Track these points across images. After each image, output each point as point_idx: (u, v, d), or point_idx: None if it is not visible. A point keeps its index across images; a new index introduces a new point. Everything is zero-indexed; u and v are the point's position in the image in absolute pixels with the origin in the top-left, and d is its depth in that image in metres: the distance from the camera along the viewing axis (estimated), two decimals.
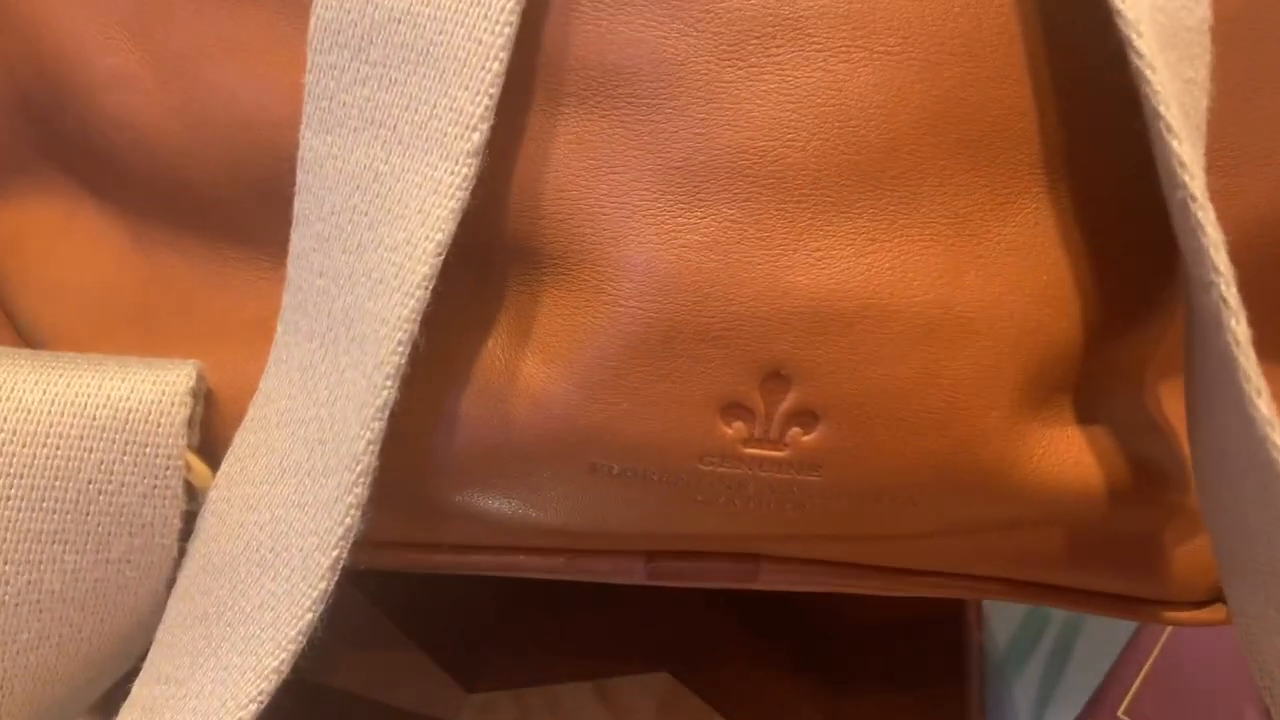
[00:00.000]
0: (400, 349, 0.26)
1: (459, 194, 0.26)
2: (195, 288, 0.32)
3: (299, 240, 0.29)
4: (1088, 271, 0.29)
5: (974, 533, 0.31)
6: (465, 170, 0.26)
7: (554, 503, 0.30)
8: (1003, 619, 0.50)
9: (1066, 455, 0.30)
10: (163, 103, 0.30)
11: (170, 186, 0.31)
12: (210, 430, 0.31)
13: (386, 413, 0.27)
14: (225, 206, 0.31)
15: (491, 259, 0.28)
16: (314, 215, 0.29)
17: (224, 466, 0.30)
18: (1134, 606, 0.35)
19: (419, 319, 0.26)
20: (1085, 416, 0.30)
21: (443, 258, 0.26)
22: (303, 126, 0.29)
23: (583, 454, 0.28)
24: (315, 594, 0.26)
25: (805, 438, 0.28)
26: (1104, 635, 0.50)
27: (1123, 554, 0.33)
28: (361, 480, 0.27)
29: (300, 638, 0.26)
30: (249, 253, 0.31)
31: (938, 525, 0.30)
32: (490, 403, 0.29)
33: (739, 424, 0.28)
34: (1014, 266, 0.28)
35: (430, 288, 0.26)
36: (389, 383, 0.26)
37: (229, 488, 0.29)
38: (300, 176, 0.29)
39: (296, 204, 0.29)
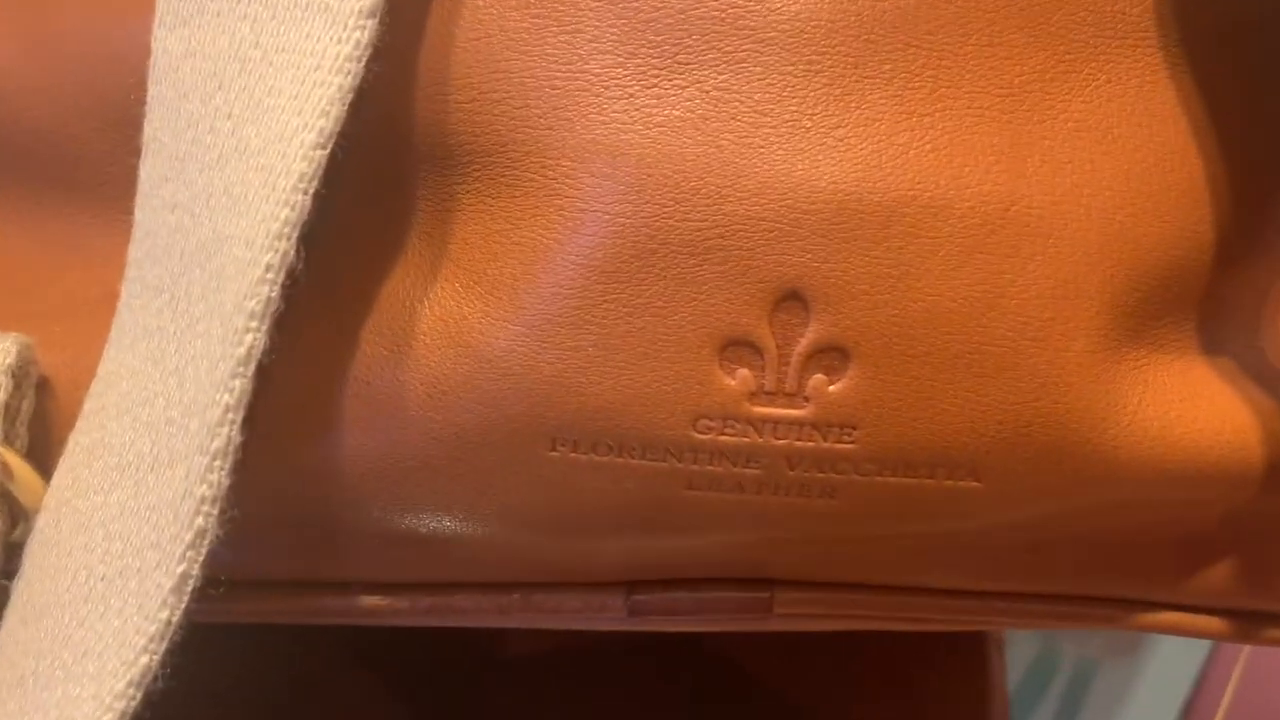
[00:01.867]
0: (269, 278, 0.19)
1: (349, 68, 0.20)
2: (37, 261, 0.24)
3: (150, 171, 0.22)
4: (1185, 164, 0.22)
5: (1044, 526, 0.24)
6: (357, 36, 0.20)
7: (501, 507, 0.22)
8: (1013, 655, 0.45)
9: (1169, 408, 0.23)
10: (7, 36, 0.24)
11: (12, 137, 0.24)
12: (49, 431, 0.23)
13: (252, 367, 0.19)
14: (77, 157, 0.24)
15: (402, 162, 0.21)
16: (166, 135, 0.22)
17: (54, 479, 0.22)
18: (1248, 625, 0.27)
19: (294, 235, 0.19)
20: (1191, 361, 0.23)
21: (327, 152, 0.19)
22: (155, 25, 0.22)
23: (538, 426, 0.21)
24: (153, 629, 0.18)
25: (832, 387, 0.21)
26: (1120, 677, 0.45)
27: (1244, 551, 0.25)
28: (218, 466, 0.19)
29: (132, 691, 0.18)
30: (104, 213, 0.24)
31: (1004, 514, 0.23)
32: (408, 360, 0.21)
33: (744, 371, 0.21)
34: (1087, 152, 0.21)
35: (310, 192, 0.19)
36: (254, 324, 0.19)
37: (59, 507, 0.22)
38: (151, 90, 0.22)
39: (146, 127, 0.22)
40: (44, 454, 0.22)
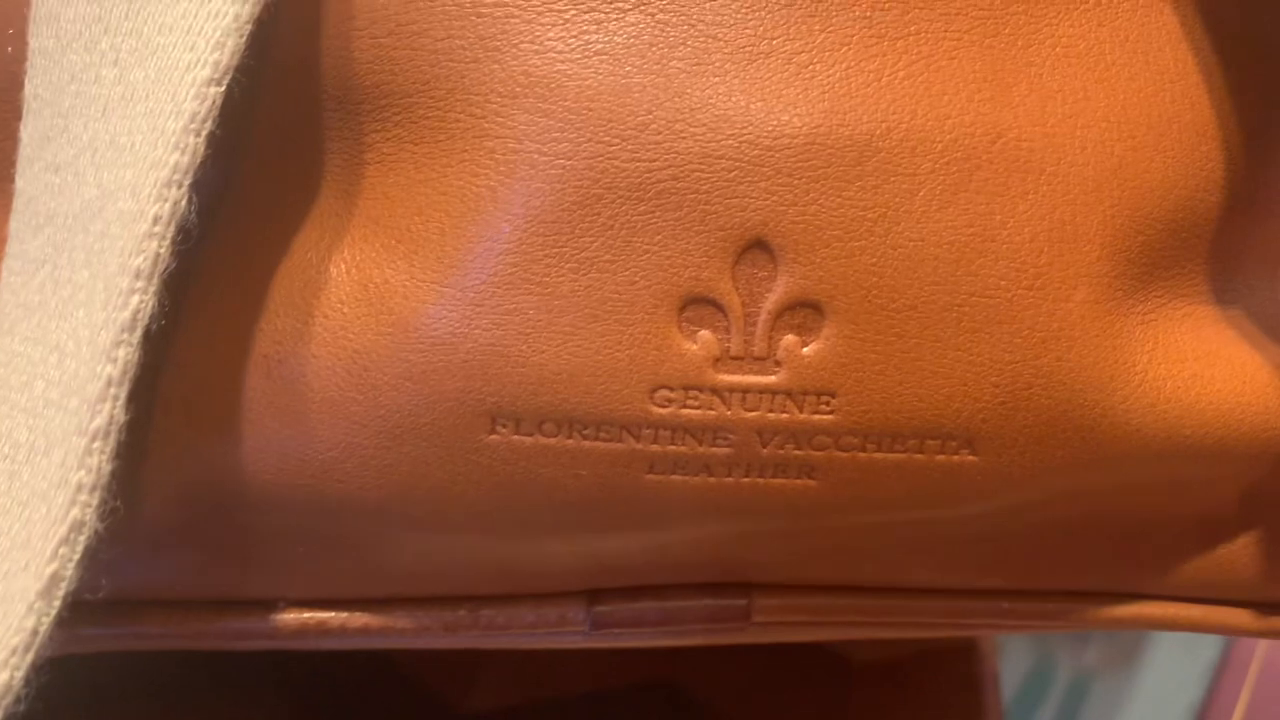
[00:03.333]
0: (157, 231, 0.17)
1: None
2: None
3: (30, 132, 0.19)
4: (1187, 93, 0.20)
5: (1048, 510, 0.21)
6: None
7: (439, 504, 0.20)
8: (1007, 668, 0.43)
9: (1183, 368, 0.20)
10: None
11: None
12: None
13: (138, 334, 0.17)
14: None
15: (311, 107, 0.19)
16: (48, 90, 0.19)
17: None
18: (1276, 618, 0.24)
19: (186, 183, 0.17)
20: (1204, 316, 0.21)
21: (223, 89, 0.17)
22: None
23: (475, 403, 0.19)
24: (16, 642, 0.15)
25: (806, 348, 0.19)
26: (1117, 689, 0.45)
27: (1269, 534, 0.23)
28: (98, 448, 0.16)
29: None
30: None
31: (1003, 495, 0.20)
32: (323, 333, 0.19)
33: (706, 333, 0.18)
34: (1079, 79, 0.19)
35: (204, 134, 0.17)
36: (140, 284, 0.17)
37: None
38: (32, 43, 0.19)
39: (27, 85, 0.20)
40: None
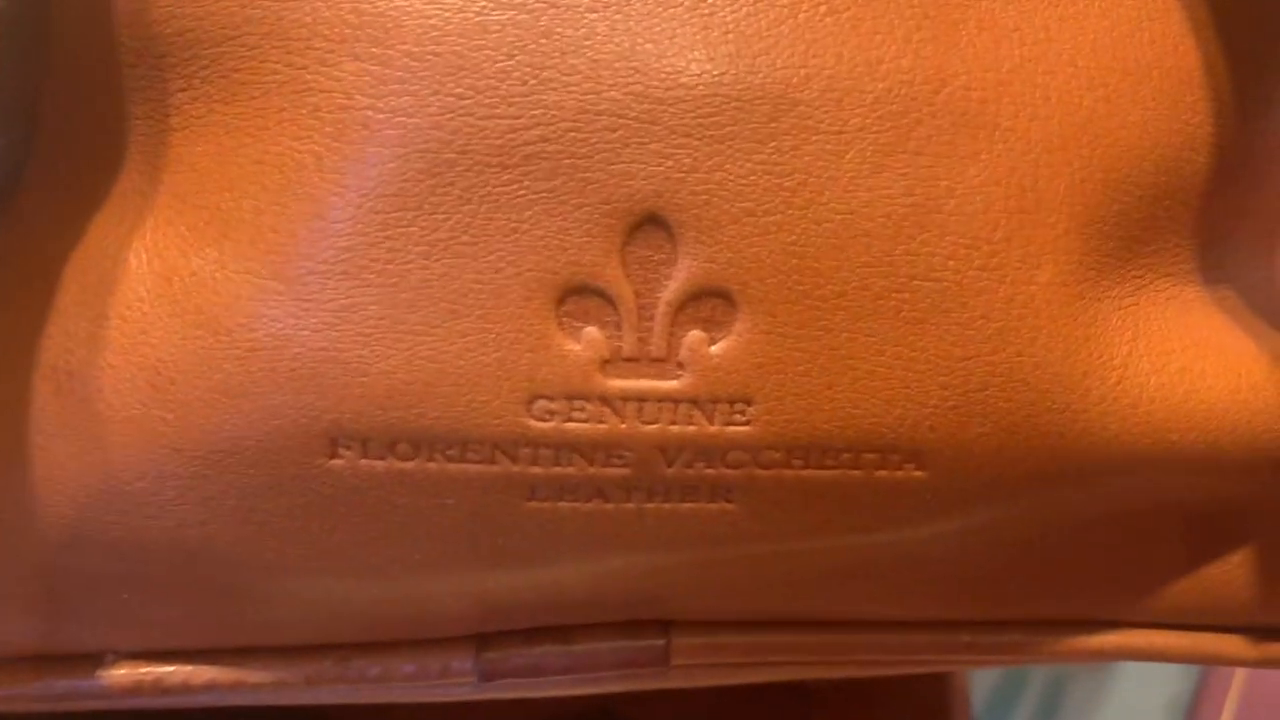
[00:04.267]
0: None
1: None
2: None
3: None
4: (1168, 36, 0.17)
5: (1010, 530, 0.18)
6: None
7: (279, 543, 0.16)
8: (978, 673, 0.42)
9: (1169, 360, 0.17)
10: None
11: None
12: None
13: None
14: None
15: (109, 63, 0.15)
16: None
17: None
18: (1272, 645, 0.21)
19: None
20: (1190, 300, 0.18)
21: None
22: None
23: (310, 423, 0.15)
24: None
25: (715, 347, 0.15)
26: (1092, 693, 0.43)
27: (1266, 552, 0.20)
28: None
29: None
30: None
31: (956, 515, 0.17)
32: (121, 338, 0.15)
33: (591, 330, 0.15)
34: (1040, 17, 0.16)
35: None
36: None
37: None
38: None
39: None
40: None
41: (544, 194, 0.15)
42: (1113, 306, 0.17)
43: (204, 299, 0.15)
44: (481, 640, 0.19)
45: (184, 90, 0.15)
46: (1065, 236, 0.16)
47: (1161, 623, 0.21)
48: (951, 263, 0.15)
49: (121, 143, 0.15)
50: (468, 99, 0.14)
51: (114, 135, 0.15)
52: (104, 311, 0.15)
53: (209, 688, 0.19)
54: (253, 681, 0.19)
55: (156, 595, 0.18)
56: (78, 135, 0.16)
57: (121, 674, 0.19)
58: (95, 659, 0.19)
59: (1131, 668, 0.47)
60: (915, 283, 0.15)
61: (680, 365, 0.15)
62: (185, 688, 0.19)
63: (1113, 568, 0.20)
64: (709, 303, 0.15)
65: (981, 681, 0.48)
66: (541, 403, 0.15)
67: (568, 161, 0.15)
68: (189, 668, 0.19)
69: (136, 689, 0.19)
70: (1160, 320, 0.17)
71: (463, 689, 0.19)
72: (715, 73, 0.15)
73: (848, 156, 0.15)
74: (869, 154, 0.15)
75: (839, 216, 0.15)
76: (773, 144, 0.15)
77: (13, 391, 0.15)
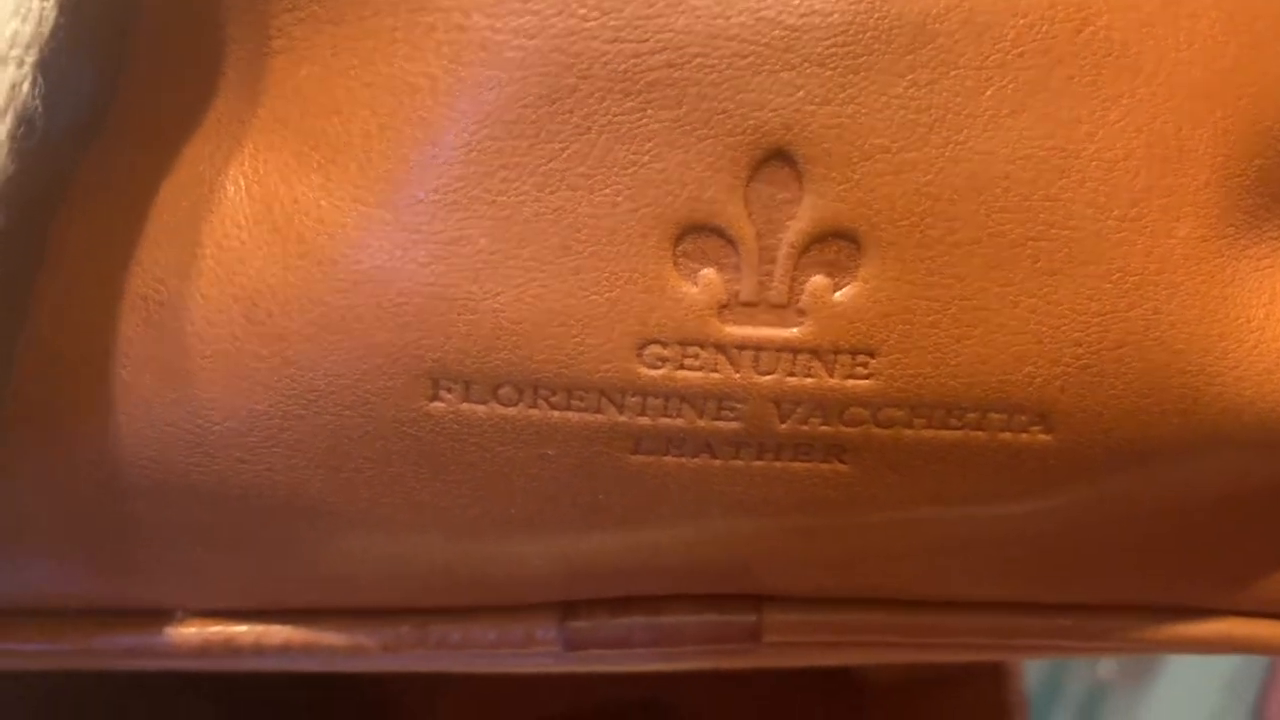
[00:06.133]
0: None
1: None
2: None
3: None
4: None
5: (1129, 502, 0.17)
6: None
7: (370, 492, 0.16)
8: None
9: None
10: None
11: None
12: None
13: None
14: None
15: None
16: None
17: None
18: None
19: (28, 61, 0.13)
20: None
21: None
22: None
23: (412, 361, 0.14)
24: None
25: (839, 293, 0.14)
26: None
27: None
28: None
29: None
30: None
31: (1077, 486, 0.16)
32: (215, 268, 0.14)
33: (709, 272, 0.14)
34: None
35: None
36: None
37: None
38: None
39: None
40: None
41: (667, 124, 0.14)
42: (1250, 267, 0.16)
43: (306, 227, 0.14)
44: (566, 608, 0.18)
45: (289, 11, 0.14)
46: (1206, 189, 0.15)
47: (1267, 612, 0.20)
48: (1090, 211, 0.15)
49: (219, 66, 0.15)
50: (591, 21, 0.14)
51: (212, 58, 0.15)
52: (198, 239, 0.15)
53: (282, 650, 0.18)
54: (328, 644, 0.18)
55: (234, 550, 0.17)
56: (173, 58, 0.15)
57: (191, 632, 0.18)
58: (164, 616, 0.18)
59: (1170, 679, 0.46)
60: (1053, 231, 0.15)
61: (801, 312, 0.15)
62: (257, 648, 0.18)
63: (1224, 551, 0.19)
64: (834, 245, 0.14)
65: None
66: (653, 348, 0.15)
67: (694, 90, 0.14)
68: (261, 627, 0.18)
69: (205, 649, 0.18)
70: None
71: (545, 659, 0.19)
72: (852, 0, 0.14)
73: (987, 94, 0.14)
74: (1009, 92, 0.14)
75: (977, 157, 0.14)
76: (910, 77, 0.14)
77: (99, 322, 0.15)
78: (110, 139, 0.15)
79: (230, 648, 0.18)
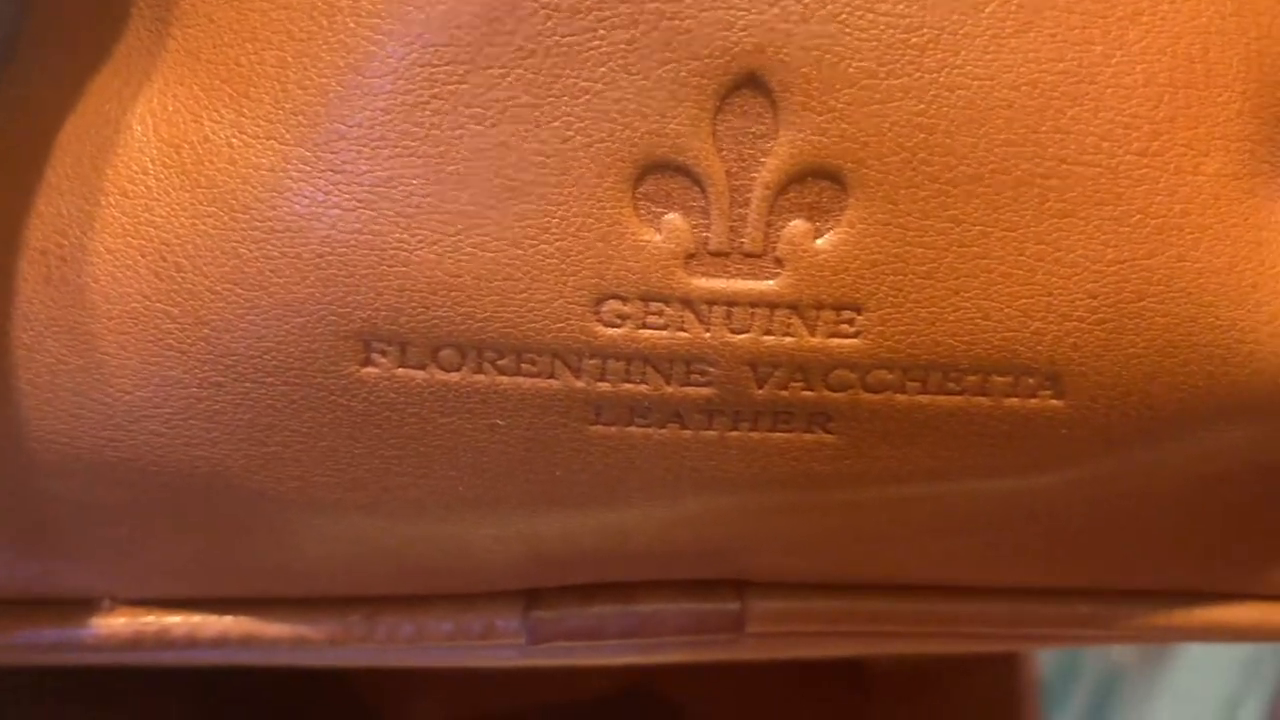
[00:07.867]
0: None
1: None
2: None
3: None
4: None
5: (1149, 475, 0.16)
6: None
7: (302, 470, 0.14)
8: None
9: None
10: None
11: None
12: None
13: None
14: None
15: None
16: None
17: None
18: None
19: None
20: None
21: None
22: None
23: (340, 320, 0.13)
24: None
25: (821, 240, 0.13)
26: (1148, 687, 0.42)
27: None
28: None
29: None
30: None
31: (1093, 457, 0.15)
32: (121, 217, 0.13)
33: (674, 216, 0.13)
34: None
35: None
36: None
37: None
38: None
39: None
40: None
41: (622, 46, 0.12)
42: None
43: (218, 170, 0.13)
44: (531, 597, 0.17)
45: None
46: (1237, 120, 0.13)
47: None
48: (1106, 144, 0.13)
49: None
50: None
51: None
52: (102, 186, 0.13)
53: (218, 642, 0.16)
54: (269, 636, 0.17)
55: (160, 532, 0.15)
56: None
57: (120, 623, 0.16)
58: (90, 605, 0.16)
59: (1185, 664, 0.45)
60: (1064, 167, 0.13)
61: (778, 262, 0.13)
62: (191, 641, 0.16)
63: (1253, 529, 0.17)
64: (815, 186, 0.13)
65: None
66: (612, 304, 0.13)
67: (653, 6, 0.12)
68: (197, 618, 0.16)
69: (136, 641, 0.16)
70: None
71: (508, 652, 0.17)
72: None
73: (988, 10, 0.13)
74: (1013, 8, 0.13)
75: (976, 83, 0.13)
76: None
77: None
78: (15, 72, 0.14)
79: (163, 640, 0.16)
